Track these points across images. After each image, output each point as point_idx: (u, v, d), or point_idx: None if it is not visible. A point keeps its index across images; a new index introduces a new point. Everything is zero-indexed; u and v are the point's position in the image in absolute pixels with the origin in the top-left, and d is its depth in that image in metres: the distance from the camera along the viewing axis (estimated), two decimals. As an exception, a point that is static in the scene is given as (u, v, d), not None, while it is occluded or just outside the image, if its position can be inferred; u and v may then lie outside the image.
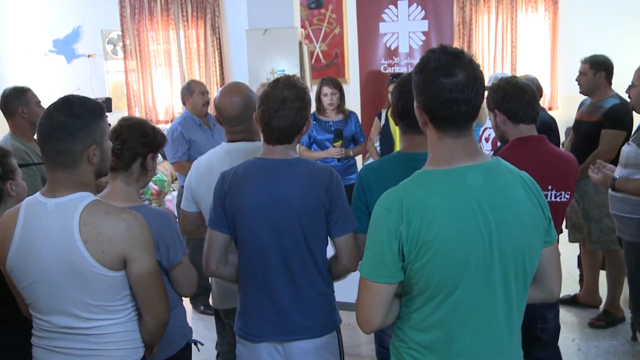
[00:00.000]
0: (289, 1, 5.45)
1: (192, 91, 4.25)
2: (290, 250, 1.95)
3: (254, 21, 5.41)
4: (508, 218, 1.43)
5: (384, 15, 5.50)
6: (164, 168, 6.48)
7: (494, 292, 1.44)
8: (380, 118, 4.56)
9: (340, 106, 4.40)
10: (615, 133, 3.64)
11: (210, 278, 2.54)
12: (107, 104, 3.69)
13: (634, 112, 3.38)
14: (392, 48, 5.54)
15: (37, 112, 3.12)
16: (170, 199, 6.20)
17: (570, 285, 4.20)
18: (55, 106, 1.69)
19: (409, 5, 5.42)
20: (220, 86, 6.00)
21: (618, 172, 3.04)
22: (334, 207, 1.95)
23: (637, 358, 3.46)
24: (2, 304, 1.92)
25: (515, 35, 6.94)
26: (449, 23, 5.60)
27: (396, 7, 5.45)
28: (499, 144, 3.04)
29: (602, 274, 4.02)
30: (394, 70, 5.48)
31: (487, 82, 2.69)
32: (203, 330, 3.93)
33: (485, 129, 3.99)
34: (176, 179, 5.94)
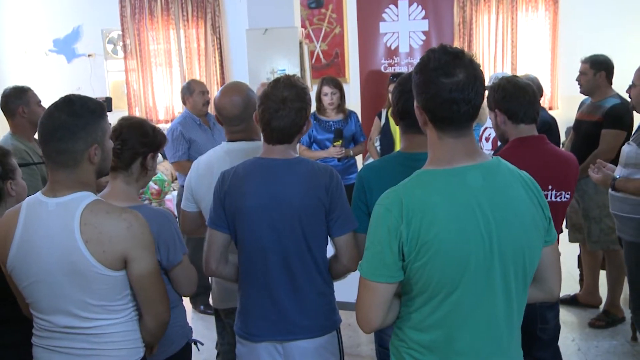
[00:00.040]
0: (289, 1, 5.44)
1: (192, 91, 4.25)
2: (290, 250, 1.95)
3: (254, 21, 5.41)
4: (508, 218, 1.43)
5: (384, 15, 5.50)
6: (164, 168, 6.48)
7: (493, 292, 1.44)
8: (380, 118, 4.56)
9: (340, 106, 4.40)
10: (616, 133, 3.64)
11: (210, 278, 2.54)
12: (107, 104, 3.68)
13: (634, 112, 3.38)
14: (393, 48, 5.55)
15: (37, 112, 3.12)
16: (170, 199, 6.20)
17: (570, 285, 4.19)
18: (56, 106, 1.69)
19: (409, 4, 5.43)
20: (221, 86, 5.99)
21: (618, 171, 3.04)
22: (334, 207, 1.95)
23: (637, 358, 3.45)
24: (2, 303, 1.92)
25: (515, 35, 6.94)
26: (449, 23, 5.61)
27: (396, 6, 5.46)
28: (499, 143, 3.04)
29: (602, 274, 4.02)
30: (394, 70, 5.48)
31: (487, 82, 2.69)
32: (203, 330, 3.93)
33: (486, 128, 3.99)
34: (176, 179, 5.94)
